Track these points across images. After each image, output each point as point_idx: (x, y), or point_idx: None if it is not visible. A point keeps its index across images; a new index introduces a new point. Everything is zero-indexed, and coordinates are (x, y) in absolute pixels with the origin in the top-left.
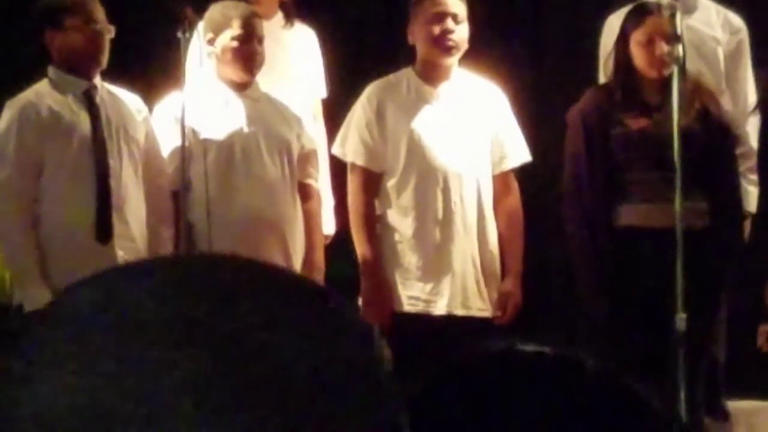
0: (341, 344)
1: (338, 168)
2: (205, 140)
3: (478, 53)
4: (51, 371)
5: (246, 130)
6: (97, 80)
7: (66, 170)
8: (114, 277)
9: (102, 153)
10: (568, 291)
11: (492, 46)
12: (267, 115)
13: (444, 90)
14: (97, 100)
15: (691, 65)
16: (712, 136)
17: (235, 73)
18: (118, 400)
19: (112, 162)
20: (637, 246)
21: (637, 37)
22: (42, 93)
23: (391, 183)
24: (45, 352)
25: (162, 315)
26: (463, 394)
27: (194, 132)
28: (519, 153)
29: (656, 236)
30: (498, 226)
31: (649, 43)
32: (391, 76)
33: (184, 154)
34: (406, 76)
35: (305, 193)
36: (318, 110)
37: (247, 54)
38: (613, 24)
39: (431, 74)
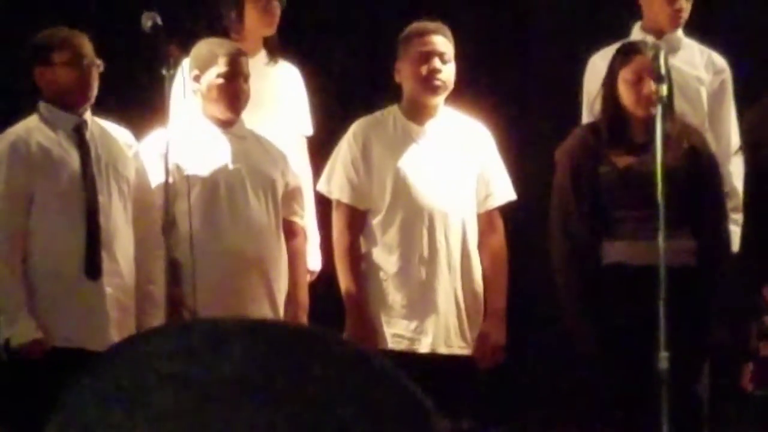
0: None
1: (324, 205)
2: (190, 177)
3: (464, 91)
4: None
5: (231, 167)
6: (88, 115)
7: (55, 206)
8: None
9: (91, 189)
10: (554, 326)
11: (477, 84)
12: (252, 153)
13: (430, 128)
14: (87, 136)
15: (675, 104)
16: (701, 175)
17: (221, 111)
18: None
19: (102, 198)
20: (624, 283)
21: (625, 76)
22: (32, 128)
23: (376, 221)
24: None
25: (239, 377)
26: None
27: (179, 168)
28: (504, 191)
29: (642, 273)
30: (482, 265)
31: (637, 82)
32: (377, 114)
33: (167, 190)
34: (392, 113)
35: (290, 230)
36: (303, 147)
37: (233, 92)
38: (596, 64)
39: (417, 112)
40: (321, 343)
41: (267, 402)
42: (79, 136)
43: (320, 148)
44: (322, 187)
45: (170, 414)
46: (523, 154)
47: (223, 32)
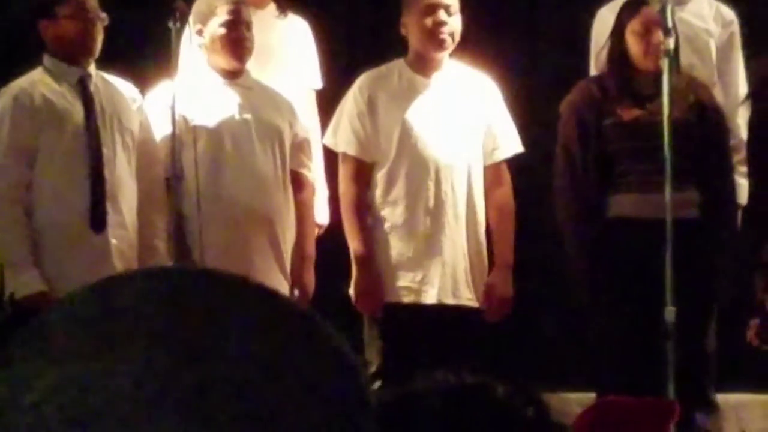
0: (323, 375)
1: (330, 159)
2: (196, 128)
3: (471, 44)
4: (48, 365)
5: (237, 117)
6: (92, 68)
7: (60, 159)
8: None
9: (96, 142)
10: (560, 282)
11: (485, 37)
12: (259, 103)
13: (436, 81)
14: (92, 88)
15: (684, 58)
16: (707, 128)
17: (225, 61)
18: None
19: (106, 151)
20: (629, 236)
21: (633, 27)
22: (36, 81)
23: (382, 173)
24: (41, 345)
25: (137, 328)
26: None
27: (185, 119)
28: (511, 144)
29: (648, 227)
30: (488, 218)
31: (645, 33)
32: (383, 67)
33: (174, 143)
34: (397, 66)
35: (298, 182)
36: (312, 100)
37: (235, 39)
38: (604, 16)
39: (423, 65)
40: (225, 286)
41: (155, 338)
42: (83, 88)
43: (327, 102)
44: (328, 140)
45: (74, 354)
46: (531, 107)
47: None
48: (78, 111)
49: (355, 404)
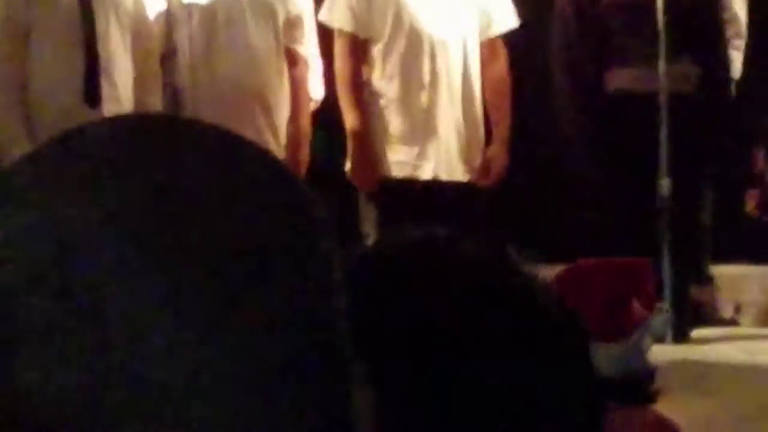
0: (292, 227)
1: (325, 36)
2: (190, 4)
3: None
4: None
5: None
6: None
7: (53, 34)
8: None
9: (89, 17)
10: (555, 158)
11: None
12: None
13: None
14: None
15: None
16: (700, 2)
17: None
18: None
19: (99, 26)
20: (627, 110)
21: None
22: None
23: (377, 49)
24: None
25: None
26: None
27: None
28: (506, 19)
29: (645, 100)
30: (484, 93)
31: None
32: None
33: (168, 18)
34: None
35: (291, 58)
36: None
37: None
38: None
39: None
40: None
41: (120, 177)
42: None
43: None
44: (323, 16)
45: (40, 198)
46: None
47: None
48: None
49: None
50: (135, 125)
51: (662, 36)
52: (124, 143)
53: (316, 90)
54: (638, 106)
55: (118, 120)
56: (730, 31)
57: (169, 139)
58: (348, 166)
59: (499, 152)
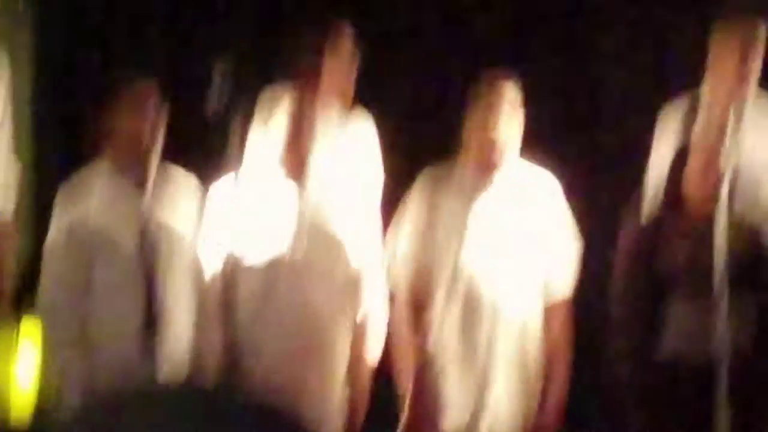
0: None
1: None
2: (249, 269)
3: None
4: None
5: (291, 258)
6: (153, 166)
7: (112, 285)
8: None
9: (149, 271)
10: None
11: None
12: (317, 237)
13: (496, 179)
14: (147, 195)
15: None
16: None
17: (287, 156)
18: None
19: (159, 273)
20: (681, 378)
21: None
22: (93, 189)
23: (432, 313)
24: None
25: None
26: None
27: (236, 259)
28: (568, 280)
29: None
30: (542, 355)
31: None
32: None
33: (226, 278)
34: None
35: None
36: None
37: (296, 134)
38: (669, 118)
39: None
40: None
41: None
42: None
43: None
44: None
45: None
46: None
47: (298, 79)
48: (131, 235)
49: None
50: (183, 397)
51: (724, 301)
52: (173, 417)
53: (375, 350)
54: (692, 373)
55: (167, 394)
56: None
57: (210, 417)
58: (400, 429)
59: (550, 418)
